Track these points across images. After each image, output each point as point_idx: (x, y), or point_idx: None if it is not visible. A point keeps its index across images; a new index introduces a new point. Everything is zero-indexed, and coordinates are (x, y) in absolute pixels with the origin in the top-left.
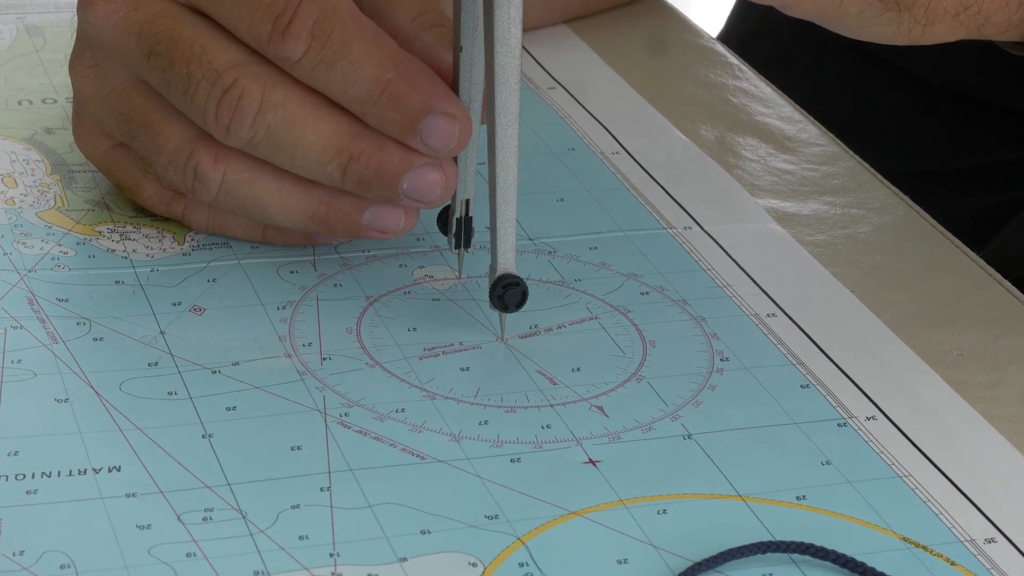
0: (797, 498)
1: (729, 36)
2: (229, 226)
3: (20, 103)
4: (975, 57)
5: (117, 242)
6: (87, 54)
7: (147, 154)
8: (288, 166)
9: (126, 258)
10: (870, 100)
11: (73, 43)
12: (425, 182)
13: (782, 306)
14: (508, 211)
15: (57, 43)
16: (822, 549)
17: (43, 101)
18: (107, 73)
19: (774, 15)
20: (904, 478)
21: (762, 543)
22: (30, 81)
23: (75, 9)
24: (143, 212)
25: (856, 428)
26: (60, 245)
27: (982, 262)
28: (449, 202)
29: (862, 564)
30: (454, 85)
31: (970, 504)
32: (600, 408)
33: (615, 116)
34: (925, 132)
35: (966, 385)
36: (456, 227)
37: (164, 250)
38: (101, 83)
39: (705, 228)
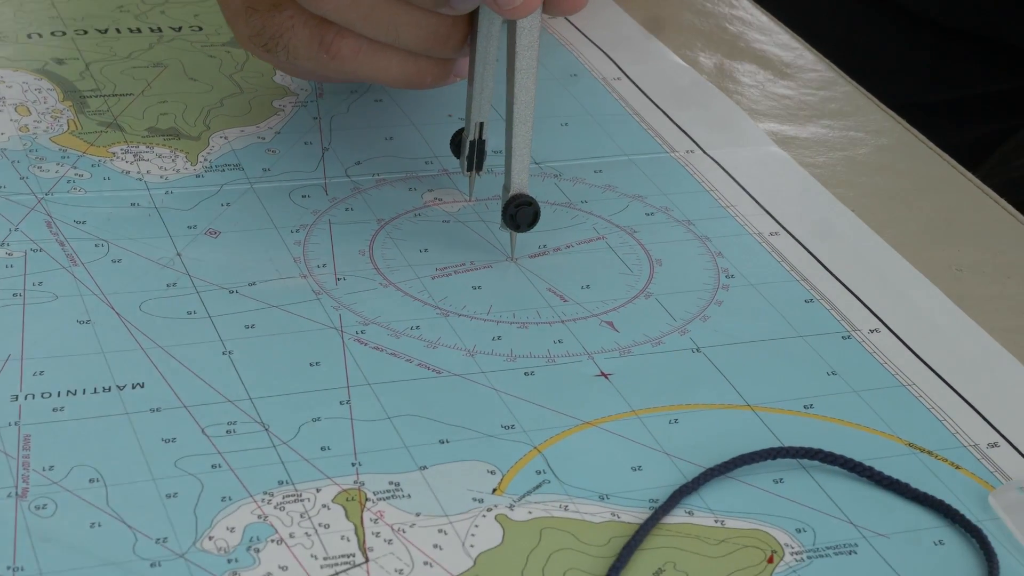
0: (804, 407)
1: None
2: (380, 59)
3: (30, 36)
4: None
5: (131, 163)
6: None
7: None
8: None
9: (140, 180)
10: (860, 33)
11: None
12: None
13: (784, 225)
14: (524, 132)
15: None
16: (830, 454)
17: (52, 34)
18: None
19: None
20: (908, 387)
21: (772, 449)
22: (39, 15)
23: None
24: (155, 131)
25: (860, 340)
26: (75, 168)
27: (979, 182)
28: (457, 121)
29: (869, 468)
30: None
31: (972, 411)
32: (610, 323)
33: (616, 43)
34: (914, 64)
35: (966, 299)
36: (469, 149)
37: (178, 171)
38: None
39: (707, 151)
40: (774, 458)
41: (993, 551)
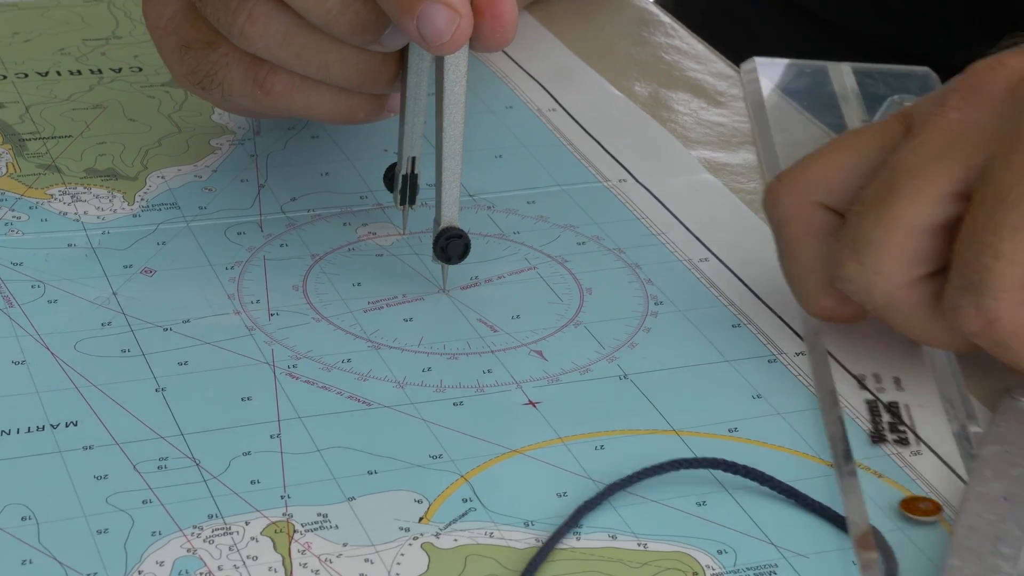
0: (729, 430)
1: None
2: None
3: None
4: (909, 13)
5: (68, 204)
6: None
7: (206, 4)
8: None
9: (78, 220)
10: (806, 56)
11: None
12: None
13: (714, 251)
14: (454, 166)
15: (4, 22)
16: (732, 464)
17: None
18: None
19: None
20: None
21: (677, 460)
22: None
23: None
24: (93, 172)
25: (786, 363)
26: (13, 210)
27: None
28: (392, 156)
29: (770, 477)
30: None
31: (900, 419)
32: (539, 352)
33: (551, 75)
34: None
35: None
36: (402, 184)
37: (115, 211)
38: None
39: (640, 180)
40: (678, 469)
41: (895, 561)
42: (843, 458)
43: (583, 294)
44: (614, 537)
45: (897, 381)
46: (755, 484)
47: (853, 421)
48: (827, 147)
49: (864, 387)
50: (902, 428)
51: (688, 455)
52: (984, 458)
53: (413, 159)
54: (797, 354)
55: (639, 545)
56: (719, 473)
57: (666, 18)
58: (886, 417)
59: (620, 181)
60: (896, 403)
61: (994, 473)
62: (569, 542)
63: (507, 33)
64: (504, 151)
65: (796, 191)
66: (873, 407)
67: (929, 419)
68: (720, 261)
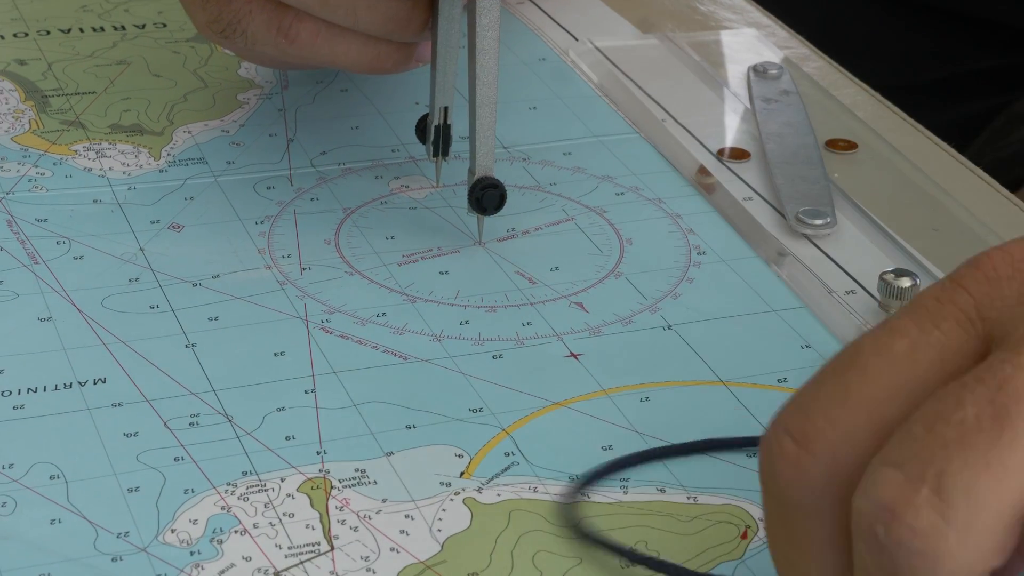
0: (778, 380)
1: None
2: (339, 43)
3: None
4: None
5: (93, 160)
6: None
7: None
8: None
9: (103, 176)
10: (842, 14)
11: None
12: None
13: (758, 190)
14: (487, 114)
15: None
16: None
17: (14, 35)
18: None
19: None
20: None
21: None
22: (1, 16)
23: None
24: (118, 128)
25: (838, 301)
26: (37, 167)
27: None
28: (423, 108)
29: None
30: None
31: None
32: (580, 304)
33: (584, 25)
34: (896, 45)
35: (944, 260)
36: (434, 135)
37: (140, 166)
38: None
39: (680, 121)
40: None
41: None
42: None
43: (623, 245)
44: (662, 491)
45: None
46: None
47: None
48: (847, 373)
49: None
50: None
51: (736, 406)
52: None
53: (445, 109)
54: (848, 293)
55: (688, 499)
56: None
57: None
58: None
59: (661, 121)
60: None
61: None
62: (616, 495)
63: None
64: (539, 103)
65: (822, 458)
66: None
67: None
68: (765, 200)
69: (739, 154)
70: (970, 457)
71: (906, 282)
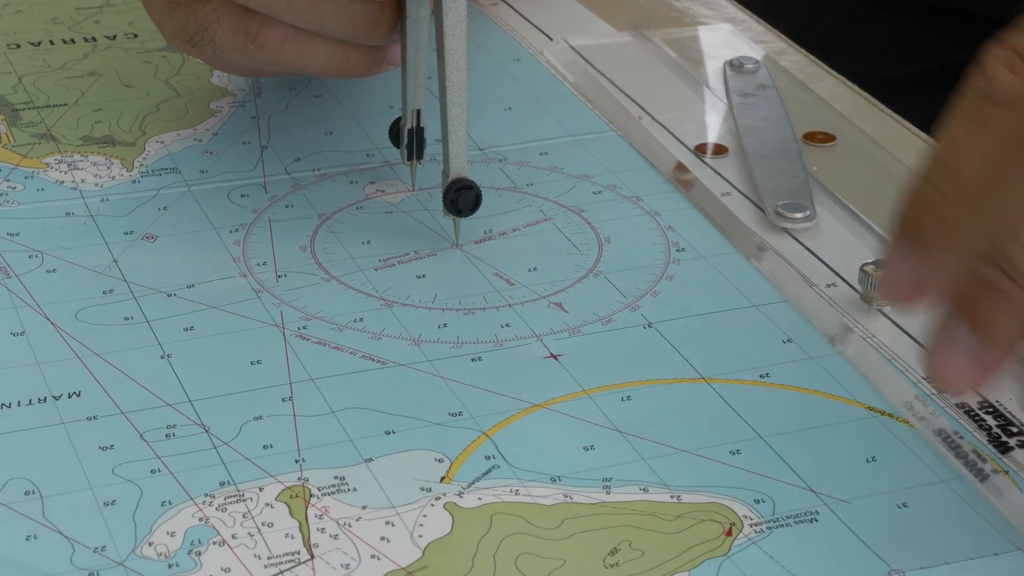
0: (760, 376)
1: None
2: (307, 47)
3: None
4: None
5: (65, 172)
6: None
7: None
8: None
9: (75, 189)
10: (821, 8)
11: None
12: None
13: (736, 185)
14: (459, 115)
15: None
16: None
17: None
18: None
19: None
20: (867, 339)
21: None
22: None
23: None
24: (90, 140)
25: (819, 294)
26: (8, 181)
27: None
28: (399, 113)
29: None
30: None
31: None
32: (559, 304)
33: (558, 24)
34: (875, 37)
35: None
36: (408, 138)
37: (113, 178)
38: None
39: (656, 118)
40: None
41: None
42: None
43: (601, 244)
44: (646, 490)
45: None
46: (791, 429)
47: (971, 434)
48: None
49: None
50: (1016, 429)
51: (718, 401)
52: None
53: (418, 112)
54: (828, 285)
55: (672, 497)
56: (753, 420)
57: None
58: (991, 421)
59: (638, 119)
60: (987, 402)
61: None
62: (599, 496)
63: None
64: (514, 104)
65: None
66: (972, 415)
67: None
68: (742, 194)
69: (717, 150)
70: None
71: None
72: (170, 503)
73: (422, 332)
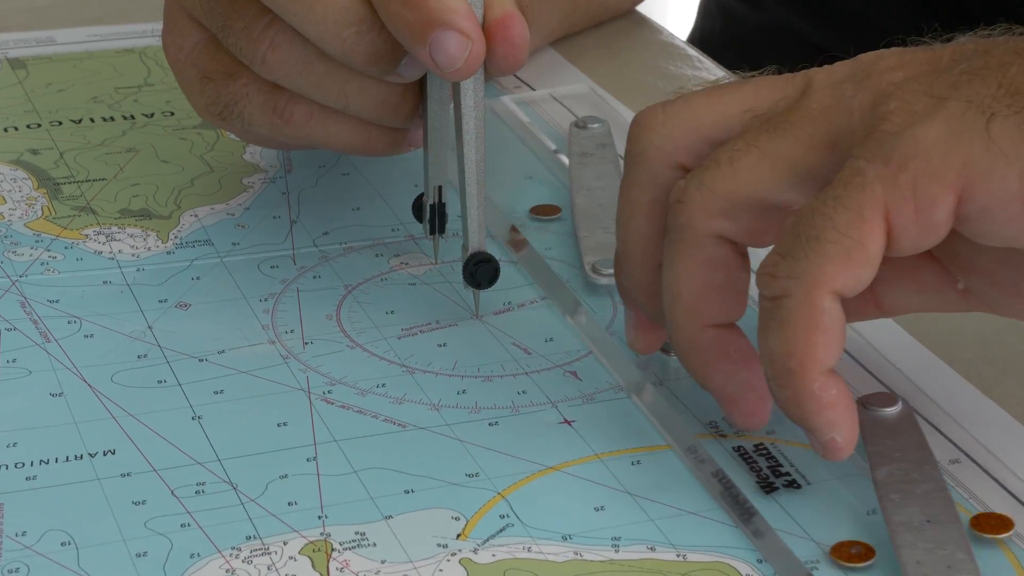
0: (767, 433)
1: (692, 39)
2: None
3: (6, 130)
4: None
5: (103, 243)
6: None
7: (228, 34)
8: (302, 29)
9: (112, 259)
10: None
11: None
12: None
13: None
14: (476, 192)
15: (39, 74)
16: None
17: (28, 126)
18: None
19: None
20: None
21: None
22: (15, 109)
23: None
24: (127, 213)
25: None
26: (49, 251)
27: None
28: (422, 190)
29: None
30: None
31: (933, 429)
32: (573, 373)
33: (573, 101)
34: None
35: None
36: (430, 213)
37: (149, 249)
38: None
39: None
40: None
41: None
42: (744, 516)
43: (616, 310)
44: (652, 549)
45: None
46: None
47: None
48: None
49: (721, 434)
50: (784, 470)
51: (727, 458)
52: (882, 482)
53: (440, 188)
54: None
55: (678, 556)
56: (762, 479)
57: (692, 51)
58: (763, 462)
59: None
60: (762, 444)
61: (901, 497)
62: (608, 554)
63: (519, 56)
64: (534, 172)
65: (673, 134)
66: (743, 454)
67: (800, 453)
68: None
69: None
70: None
71: None
72: (199, 555)
73: (442, 397)
